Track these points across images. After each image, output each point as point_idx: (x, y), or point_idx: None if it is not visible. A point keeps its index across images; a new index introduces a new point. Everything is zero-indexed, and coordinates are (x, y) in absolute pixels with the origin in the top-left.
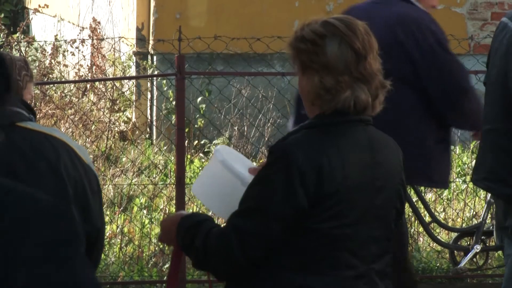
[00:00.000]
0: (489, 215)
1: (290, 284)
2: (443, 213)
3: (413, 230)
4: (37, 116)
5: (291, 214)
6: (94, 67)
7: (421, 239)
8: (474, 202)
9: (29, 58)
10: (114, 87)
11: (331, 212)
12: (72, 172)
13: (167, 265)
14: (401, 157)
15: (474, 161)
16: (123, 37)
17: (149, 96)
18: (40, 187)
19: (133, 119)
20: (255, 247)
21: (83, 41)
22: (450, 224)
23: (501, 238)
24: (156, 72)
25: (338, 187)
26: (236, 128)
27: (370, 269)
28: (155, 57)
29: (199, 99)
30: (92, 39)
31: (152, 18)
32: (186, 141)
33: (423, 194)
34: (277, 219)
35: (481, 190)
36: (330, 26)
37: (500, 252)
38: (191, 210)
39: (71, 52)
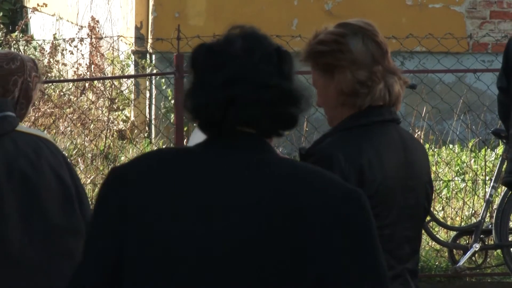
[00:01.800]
0: (488, 214)
1: None
2: (442, 212)
3: None
4: (36, 115)
5: None
6: (92, 66)
7: None
8: (473, 200)
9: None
10: (113, 86)
11: (372, 213)
12: (66, 171)
13: None
14: (427, 156)
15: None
16: (121, 35)
17: (147, 95)
18: (47, 189)
19: (132, 118)
20: None
21: (81, 40)
22: (449, 223)
23: (500, 233)
24: (154, 71)
25: (378, 188)
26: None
27: (405, 269)
28: (153, 56)
29: None
30: (91, 38)
31: (150, 17)
32: (185, 140)
33: None
34: None
35: (480, 189)
36: (348, 25)
37: (499, 251)
38: None
39: (69, 51)
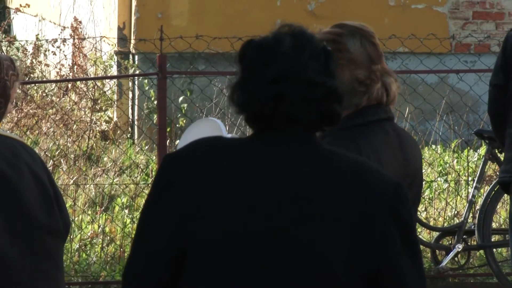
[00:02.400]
0: (471, 215)
1: None
2: (425, 212)
3: None
4: (19, 116)
5: None
6: (75, 67)
7: None
8: (456, 201)
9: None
10: (96, 87)
11: None
12: (44, 173)
13: None
14: (421, 153)
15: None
16: (104, 36)
17: (130, 95)
18: (27, 189)
19: (115, 119)
20: None
21: (64, 40)
22: (431, 224)
23: (483, 234)
24: (137, 72)
25: None
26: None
27: None
28: (136, 57)
29: (181, 98)
30: (74, 39)
31: (133, 18)
32: (168, 141)
33: None
34: None
35: (463, 190)
36: (345, 26)
37: (482, 251)
38: None
39: (52, 52)
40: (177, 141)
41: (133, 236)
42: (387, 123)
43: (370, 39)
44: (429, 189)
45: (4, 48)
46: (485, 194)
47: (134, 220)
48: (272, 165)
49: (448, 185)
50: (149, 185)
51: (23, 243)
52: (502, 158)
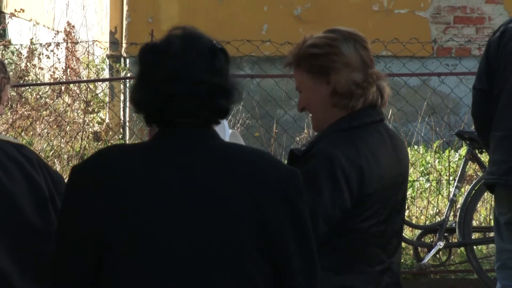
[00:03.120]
0: (452, 213)
1: (334, 284)
2: (407, 211)
3: None
4: (14, 117)
5: (338, 214)
6: (68, 70)
7: None
8: (437, 200)
9: (6, 61)
10: (88, 89)
11: (370, 211)
12: (40, 175)
13: None
14: (408, 153)
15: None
16: (96, 40)
17: (122, 97)
18: (18, 193)
19: (107, 120)
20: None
21: (58, 44)
22: (414, 222)
23: (464, 232)
24: (129, 75)
25: (376, 187)
26: None
27: (392, 262)
28: (128, 60)
29: None
30: (67, 43)
31: (125, 22)
32: None
33: None
34: (326, 221)
35: (444, 189)
36: (339, 31)
37: (462, 248)
38: None
39: (46, 55)
40: None
41: None
42: (380, 124)
43: (363, 44)
44: (411, 188)
45: (2, 54)
46: (465, 193)
47: None
48: (173, 163)
49: (430, 185)
50: None
51: (15, 246)
52: (482, 159)
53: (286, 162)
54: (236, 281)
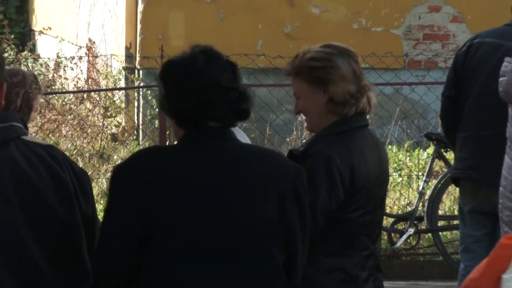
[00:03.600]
0: (421, 204)
1: (328, 267)
2: None
3: None
4: (42, 121)
5: (334, 207)
6: (90, 80)
7: None
8: (408, 192)
9: (35, 72)
10: (107, 97)
11: (359, 203)
12: (65, 172)
13: None
14: (387, 153)
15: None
16: (114, 54)
17: (136, 104)
18: (45, 189)
19: (123, 123)
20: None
21: (80, 58)
22: (388, 211)
23: (431, 220)
24: (142, 84)
25: (364, 182)
26: None
27: (375, 248)
28: (141, 72)
29: None
30: (88, 56)
31: (138, 39)
32: (167, 142)
33: None
34: (323, 213)
35: (414, 183)
36: (334, 47)
37: (429, 234)
38: None
39: (70, 67)
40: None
41: None
42: (366, 129)
43: (355, 59)
44: None
45: (30, 64)
46: (432, 187)
47: None
48: (207, 160)
49: (402, 179)
50: None
51: (43, 236)
52: (447, 157)
53: None
54: (264, 266)
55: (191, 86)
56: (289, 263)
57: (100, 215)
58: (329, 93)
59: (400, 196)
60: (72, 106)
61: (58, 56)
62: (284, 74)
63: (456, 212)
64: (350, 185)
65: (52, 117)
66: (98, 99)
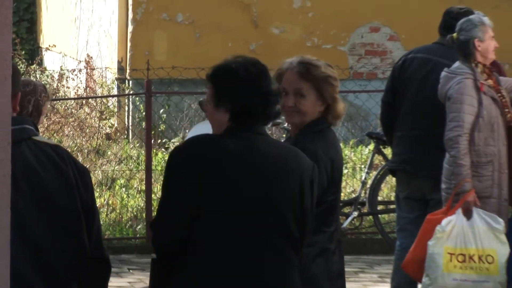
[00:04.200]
0: (363, 191)
1: (309, 242)
2: None
3: None
4: (48, 123)
5: (320, 193)
6: (88, 88)
7: None
8: (353, 182)
9: (43, 82)
10: (102, 102)
11: (334, 189)
12: (69, 167)
13: (139, 226)
14: None
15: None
16: (108, 67)
17: (126, 109)
18: (53, 187)
19: (115, 125)
20: None
21: (80, 70)
22: None
23: (372, 205)
24: (131, 92)
25: (337, 171)
26: (187, 131)
27: (337, 224)
28: (131, 82)
29: (161, 110)
30: (86, 69)
31: (128, 54)
32: (152, 140)
33: None
34: (316, 201)
35: (358, 174)
36: (330, 67)
37: (370, 217)
38: (155, 189)
39: (71, 78)
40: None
41: (128, 206)
42: (331, 128)
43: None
44: None
45: (38, 76)
46: (373, 177)
47: (129, 195)
48: (254, 148)
49: (348, 171)
50: (140, 170)
51: (49, 221)
52: (385, 152)
53: None
54: (285, 241)
55: (259, 89)
56: (302, 230)
57: (96, 201)
58: (327, 104)
59: (346, 185)
60: (73, 110)
61: (61, 69)
62: (298, 70)
63: (392, 198)
64: (331, 174)
65: (57, 119)
66: (94, 104)
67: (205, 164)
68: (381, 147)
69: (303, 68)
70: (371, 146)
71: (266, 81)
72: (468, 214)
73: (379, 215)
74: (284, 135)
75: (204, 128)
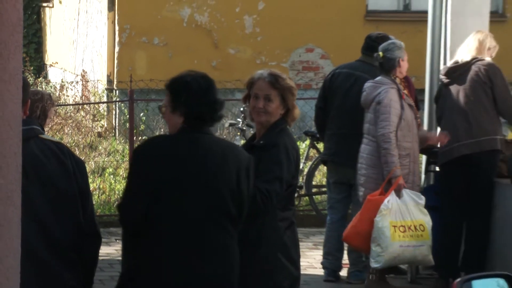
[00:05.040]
0: (301, 177)
1: (281, 217)
2: None
3: None
4: (51, 124)
5: (290, 178)
6: (83, 97)
7: None
8: None
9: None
10: (94, 108)
11: (297, 174)
12: (68, 160)
13: None
14: None
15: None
16: (99, 80)
17: (114, 112)
18: (56, 175)
19: (105, 125)
20: (274, 201)
21: (77, 82)
22: None
23: (308, 188)
24: (118, 99)
25: (298, 160)
26: (162, 130)
27: (294, 202)
28: (117, 91)
29: (142, 114)
30: (82, 81)
31: (115, 69)
32: (134, 137)
33: None
34: (285, 182)
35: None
36: (280, 75)
37: (307, 197)
38: None
39: (70, 88)
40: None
41: (115, 190)
42: (288, 127)
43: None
44: None
45: (44, 87)
46: (309, 166)
47: (116, 181)
48: (201, 144)
49: None
50: (125, 161)
51: (53, 203)
52: (318, 147)
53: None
54: (226, 219)
55: (207, 98)
56: (239, 215)
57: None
58: (287, 109)
59: None
60: (71, 114)
61: (62, 81)
62: (267, 80)
63: (324, 183)
64: (296, 163)
65: (58, 121)
66: (88, 109)
67: (161, 158)
68: (315, 142)
69: (273, 78)
70: (307, 142)
71: (213, 92)
72: (399, 194)
73: (314, 196)
74: (238, 134)
75: None
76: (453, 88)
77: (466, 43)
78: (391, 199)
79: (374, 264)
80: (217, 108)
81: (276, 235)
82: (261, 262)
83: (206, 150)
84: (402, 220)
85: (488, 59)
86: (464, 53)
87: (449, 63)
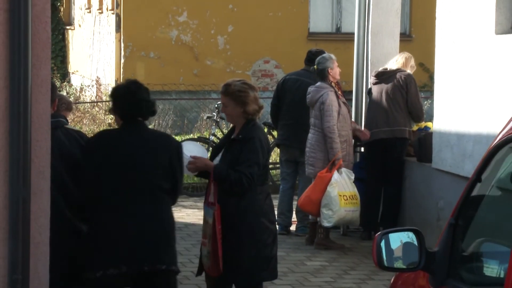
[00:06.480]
0: None
1: (260, 190)
2: None
3: None
4: (73, 117)
5: (264, 162)
6: (97, 96)
7: None
8: None
9: (71, 93)
10: (106, 105)
11: (267, 156)
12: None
13: None
14: None
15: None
16: (109, 83)
17: None
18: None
19: (114, 118)
20: (255, 180)
21: (93, 85)
22: None
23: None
24: None
25: (267, 146)
26: (154, 126)
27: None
28: None
29: None
30: (96, 85)
31: (121, 76)
32: None
33: None
34: (260, 166)
35: None
36: (247, 83)
37: None
38: None
39: (87, 90)
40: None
41: None
42: (257, 121)
43: (256, 90)
44: None
45: (67, 89)
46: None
47: None
48: (135, 134)
49: None
50: None
51: (72, 176)
52: (273, 133)
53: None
54: (160, 191)
55: (134, 98)
56: (173, 188)
57: None
58: (244, 108)
59: None
60: (88, 109)
61: (81, 85)
62: (221, 92)
63: (278, 160)
64: (267, 149)
65: (78, 115)
66: (101, 105)
67: (105, 148)
68: (271, 130)
69: (224, 88)
70: (265, 130)
71: (141, 93)
72: (340, 172)
73: (270, 171)
74: (214, 124)
75: (195, 148)
76: (379, 87)
77: (396, 58)
78: (336, 175)
79: (326, 224)
80: (144, 105)
81: (258, 205)
82: (250, 226)
83: (140, 138)
84: (344, 191)
85: (408, 71)
86: (393, 64)
87: (380, 68)
